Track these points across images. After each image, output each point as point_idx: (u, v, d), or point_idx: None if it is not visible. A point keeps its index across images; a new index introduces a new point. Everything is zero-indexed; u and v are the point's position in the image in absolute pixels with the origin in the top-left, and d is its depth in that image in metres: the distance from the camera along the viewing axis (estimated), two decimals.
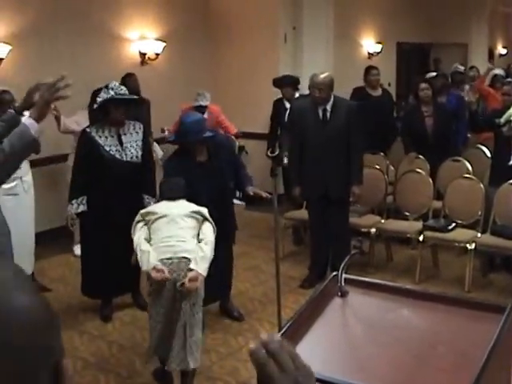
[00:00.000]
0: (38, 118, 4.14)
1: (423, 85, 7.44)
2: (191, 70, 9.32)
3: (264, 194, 5.28)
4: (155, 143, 7.78)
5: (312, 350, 2.61)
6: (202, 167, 5.13)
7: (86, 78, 7.26)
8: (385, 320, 2.73)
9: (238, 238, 5.85)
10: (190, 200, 4.56)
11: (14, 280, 0.92)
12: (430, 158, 7.24)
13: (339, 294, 2.86)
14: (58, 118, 6.49)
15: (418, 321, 2.78)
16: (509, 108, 6.50)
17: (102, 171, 5.27)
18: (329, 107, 6.09)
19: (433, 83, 7.76)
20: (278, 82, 8.05)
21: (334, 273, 2.93)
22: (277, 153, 4.04)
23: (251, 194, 5.36)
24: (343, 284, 2.86)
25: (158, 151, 7.84)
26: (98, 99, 5.33)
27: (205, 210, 4.45)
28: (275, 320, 4.82)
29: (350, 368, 2.53)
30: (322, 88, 6.02)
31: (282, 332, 2.59)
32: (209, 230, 4.39)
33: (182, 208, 4.44)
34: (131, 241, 4.40)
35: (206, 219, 4.42)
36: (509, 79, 8.26)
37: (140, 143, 5.41)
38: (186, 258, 4.19)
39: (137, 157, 5.37)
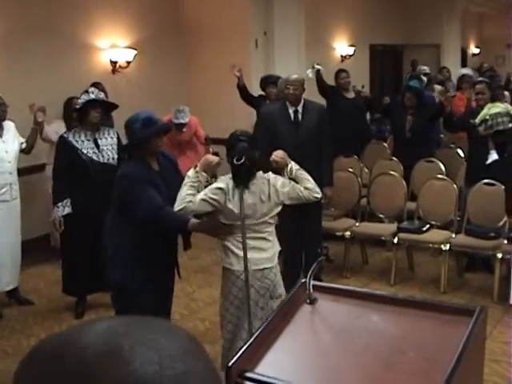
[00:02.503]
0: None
1: (409, 95, 7.46)
2: (163, 78, 9.27)
3: None
4: None
5: (281, 359, 2.59)
6: (159, 176, 4.30)
7: (58, 88, 7.22)
8: (354, 326, 2.71)
9: (209, 246, 5.69)
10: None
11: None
12: (406, 154, 7.29)
13: (308, 301, 2.84)
14: (40, 124, 6.20)
15: (387, 326, 2.76)
16: (483, 107, 6.50)
17: (81, 173, 5.45)
18: (300, 109, 6.09)
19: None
20: (263, 83, 7.85)
21: (303, 280, 2.91)
22: (243, 160, 3.92)
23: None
24: (312, 291, 2.84)
25: None
26: (80, 101, 5.53)
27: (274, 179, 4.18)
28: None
29: (319, 376, 2.51)
30: (297, 85, 6.01)
31: (251, 341, 2.56)
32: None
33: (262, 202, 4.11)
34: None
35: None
36: (480, 78, 8.25)
37: (115, 147, 5.63)
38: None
39: (113, 159, 5.57)
